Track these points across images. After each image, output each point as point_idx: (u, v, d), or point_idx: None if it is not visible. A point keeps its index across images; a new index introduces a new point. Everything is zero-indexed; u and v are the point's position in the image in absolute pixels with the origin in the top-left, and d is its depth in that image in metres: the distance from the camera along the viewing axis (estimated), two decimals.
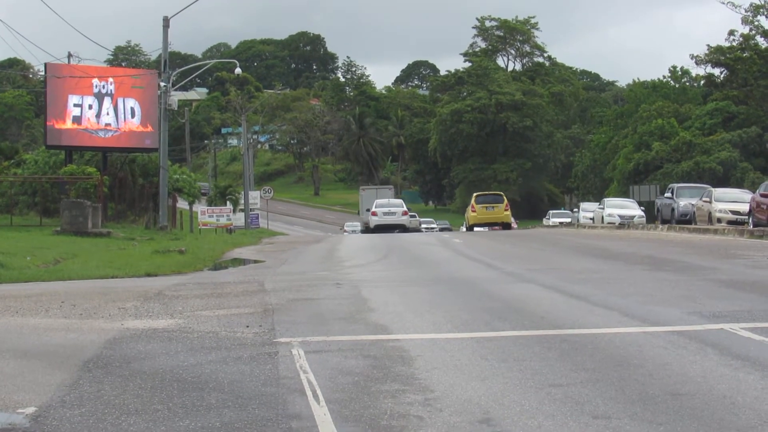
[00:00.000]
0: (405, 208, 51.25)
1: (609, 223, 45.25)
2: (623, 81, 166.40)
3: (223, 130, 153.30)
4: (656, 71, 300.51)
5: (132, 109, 43.81)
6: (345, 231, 71.37)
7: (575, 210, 61.84)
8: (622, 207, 48.47)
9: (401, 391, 7.78)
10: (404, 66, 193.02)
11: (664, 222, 40.51)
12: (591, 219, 51.56)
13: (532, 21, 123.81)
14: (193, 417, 7.06)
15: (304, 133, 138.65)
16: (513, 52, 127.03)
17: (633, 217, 45.53)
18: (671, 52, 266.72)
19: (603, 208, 48.47)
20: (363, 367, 8.77)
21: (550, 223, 63.11)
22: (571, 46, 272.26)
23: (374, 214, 50.24)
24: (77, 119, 42.41)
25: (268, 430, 6.69)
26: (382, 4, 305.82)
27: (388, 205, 51.03)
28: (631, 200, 52.67)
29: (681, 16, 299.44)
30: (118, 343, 10.41)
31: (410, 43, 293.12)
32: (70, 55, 50.54)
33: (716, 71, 71.42)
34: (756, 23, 67.76)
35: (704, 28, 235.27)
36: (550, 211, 74.27)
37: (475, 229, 49.65)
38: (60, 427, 6.89)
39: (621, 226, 42.35)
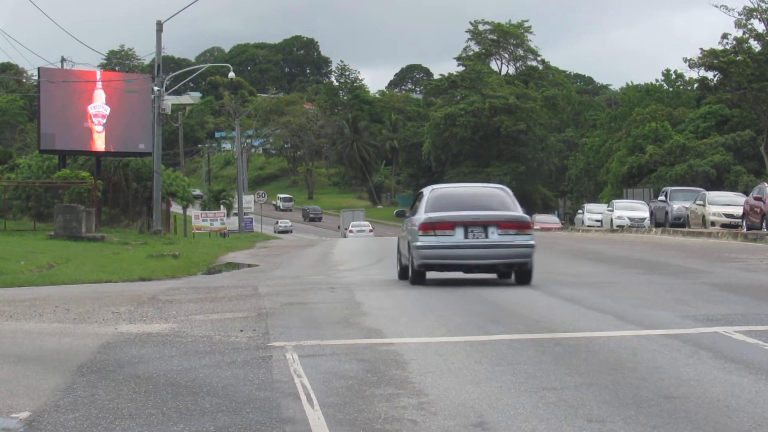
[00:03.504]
0: (371, 227, 77.48)
1: (618, 226, 43.70)
2: (617, 84, 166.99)
3: (217, 134, 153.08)
4: (651, 74, 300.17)
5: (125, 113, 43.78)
6: (279, 226, 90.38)
7: (579, 212, 59.49)
8: (631, 209, 46.53)
9: (395, 395, 7.77)
10: (398, 70, 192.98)
11: (657, 225, 40.44)
12: (599, 221, 49.18)
13: (526, 25, 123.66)
14: (186, 421, 7.05)
15: (297, 137, 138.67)
16: (506, 55, 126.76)
17: (643, 219, 43.76)
18: (667, 55, 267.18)
19: (612, 210, 46.71)
20: (357, 371, 8.76)
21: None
22: (565, 50, 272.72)
23: (351, 231, 73.80)
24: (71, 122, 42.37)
25: None
26: (376, 8, 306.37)
27: (359, 225, 76.96)
28: (641, 202, 50.05)
29: (678, 19, 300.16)
30: (112, 348, 10.39)
31: (404, 47, 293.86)
32: (63, 60, 50.50)
33: (709, 74, 71.36)
34: (749, 27, 67.73)
35: (701, 31, 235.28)
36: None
37: None
38: (54, 431, 6.88)
39: (627, 228, 41.29)
